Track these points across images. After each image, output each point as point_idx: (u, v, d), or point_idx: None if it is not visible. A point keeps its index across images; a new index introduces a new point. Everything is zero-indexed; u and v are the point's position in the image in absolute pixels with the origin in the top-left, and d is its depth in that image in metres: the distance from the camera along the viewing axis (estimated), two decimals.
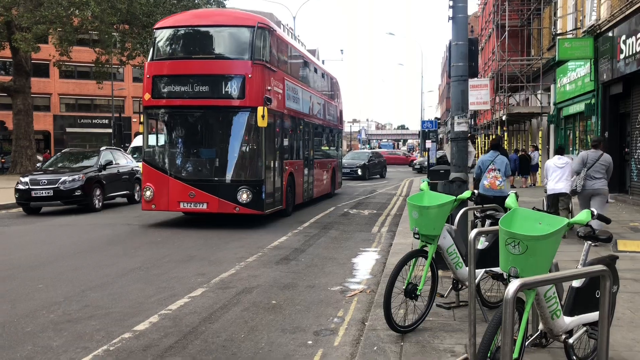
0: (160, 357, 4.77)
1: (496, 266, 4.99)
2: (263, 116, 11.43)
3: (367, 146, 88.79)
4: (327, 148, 19.99)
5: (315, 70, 18.51)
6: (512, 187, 22.00)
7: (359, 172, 30.33)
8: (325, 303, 6.45)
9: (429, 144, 34.95)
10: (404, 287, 5.06)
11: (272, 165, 12.70)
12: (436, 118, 52.69)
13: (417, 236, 5.12)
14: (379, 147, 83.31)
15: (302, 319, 5.84)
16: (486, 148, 21.03)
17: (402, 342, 4.81)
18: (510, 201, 3.76)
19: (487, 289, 5.86)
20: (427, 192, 5.30)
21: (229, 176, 12.10)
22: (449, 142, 7.90)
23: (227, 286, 7.15)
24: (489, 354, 3.26)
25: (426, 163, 36.74)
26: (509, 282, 3.24)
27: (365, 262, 8.76)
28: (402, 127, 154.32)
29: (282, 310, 6.14)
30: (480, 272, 5.12)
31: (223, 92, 12.08)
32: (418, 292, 5.06)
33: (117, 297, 6.60)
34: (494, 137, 17.35)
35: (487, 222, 5.63)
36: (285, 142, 14.07)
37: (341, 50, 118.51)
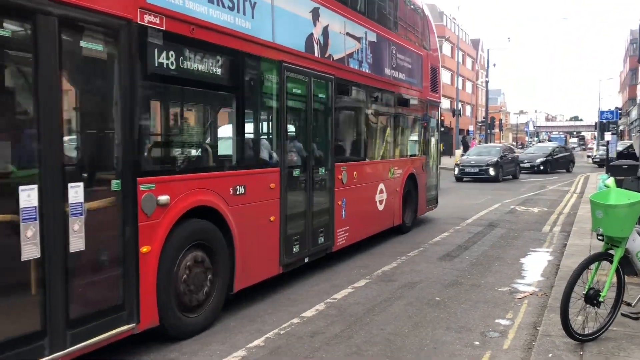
0: (327, 344, 4.91)
1: None
2: None
3: (536, 139, 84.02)
4: (388, 136, 10.13)
5: None
6: None
7: (491, 171, 23.89)
8: (492, 303, 6.17)
9: (608, 136, 31.92)
10: (584, 292, 4.63)
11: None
12: (617, 108, 47.80)
13: (600, 237, 4.66)
14: (549, 140, 78.29)
15: (468, 318, 5.64)
16: None
17: (581, 352, 4.42)
18: None
19: None
20: (613, 189, 4.79)
21: None
22: (638, 133, 7.09)
23: (390, 279, 7.16)
24: None
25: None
26: None
27: (536, 263, 8.23)
28: (575, 118, 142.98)
29: (446, 308, 5.99)
30: None
31: None
32: (601, 299, 4.60)
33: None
34: None
35: None
36: (158, 117, 5.25)
37: (508, 38, 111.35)
